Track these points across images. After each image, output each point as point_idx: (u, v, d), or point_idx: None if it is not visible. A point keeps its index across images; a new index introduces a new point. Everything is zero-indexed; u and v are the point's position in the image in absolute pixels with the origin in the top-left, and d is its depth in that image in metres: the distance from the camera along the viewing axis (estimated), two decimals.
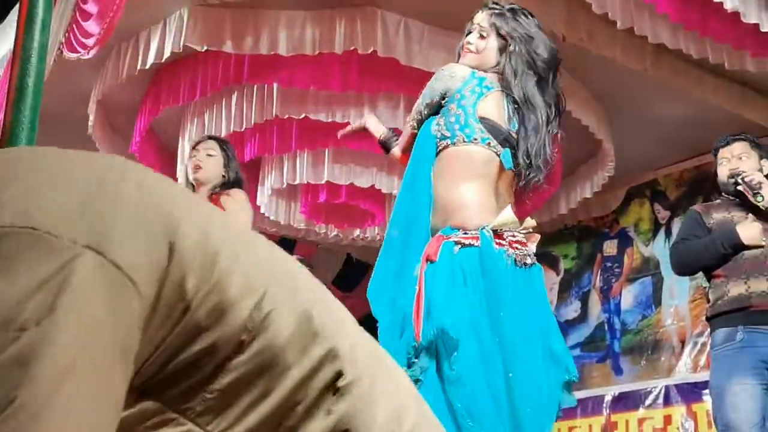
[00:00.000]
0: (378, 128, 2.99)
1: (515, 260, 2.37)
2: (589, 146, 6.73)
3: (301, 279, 0.85)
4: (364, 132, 3.04)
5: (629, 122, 6.71)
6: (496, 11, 2.64)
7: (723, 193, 3.73)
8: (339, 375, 0.76)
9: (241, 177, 3.96)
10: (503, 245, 2.35)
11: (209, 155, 3.93)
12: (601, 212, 8.06)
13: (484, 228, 2.34)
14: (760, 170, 3.66)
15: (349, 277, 9.48)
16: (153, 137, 6.76)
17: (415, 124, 2.59)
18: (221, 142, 4.07)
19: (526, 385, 2.20)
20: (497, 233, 2.36)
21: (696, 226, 3.65)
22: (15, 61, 1.78)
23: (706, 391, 6.58)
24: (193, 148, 4.11)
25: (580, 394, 7.51)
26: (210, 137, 4.22)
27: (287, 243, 9.04)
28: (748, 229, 3.41)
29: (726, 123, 6.60)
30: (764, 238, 3.38)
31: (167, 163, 6.82)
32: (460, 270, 2.29)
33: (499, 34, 2.61)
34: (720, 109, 6.20)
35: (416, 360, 2.22)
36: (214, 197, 3.75)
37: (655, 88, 6.13)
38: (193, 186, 3.93)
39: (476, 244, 2.32)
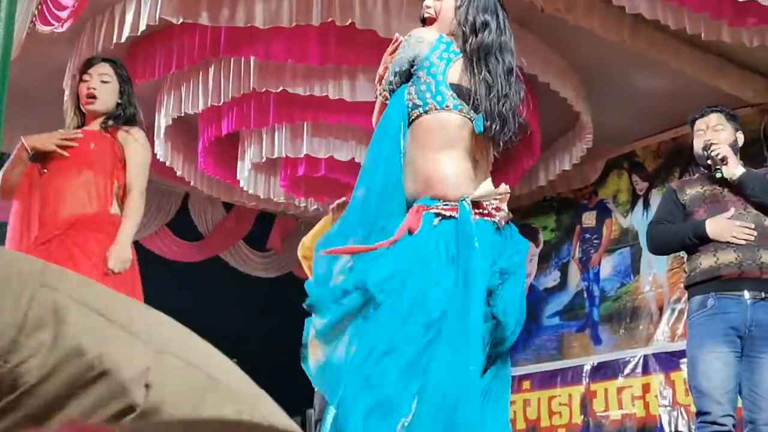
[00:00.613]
0: None
1: (495, 225, 2.39)
2: (568, 118, 6.74)
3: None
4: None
5: (607, 94, 6.72)
6: None
7: (699, 164, 3.76)
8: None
9: (136, 106, 3.55)
10: (482, 215, 2.36)
11: (104, 81, 3.48)
12: (579, 184, 8.10)
13: (464, 199, 2.35)
14: (735, 141, 3.70)
15: None
16: None
17: (388, 95, 2.56)
18: (116, 66, 3.58)
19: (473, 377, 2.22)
20: (476, 203, 2.37)
21: (670, 203, 3.72)
22: None
23: (683, 360, 6.67)
24: (83, 72, 3.58)
25: (560, 364, 7.60)
26: (104, 59, 3.65)
27: (267, 217, 9.03)
28: (716, 224, 3.45)
29: (703, 95, 6.62)
30: (733, 234, 3.41)
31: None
32: (443, 243, 2.32)
33: None
34: (697, 81, 6.22)
35: (343, 299, 2.26)
36: (111, 131, 3.42)
37: (633, 60, 6.14)
38: (83, 117, 3.55)
39: (454, 216, 2.34)
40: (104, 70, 3.52)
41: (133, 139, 3.41)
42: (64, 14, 4.93)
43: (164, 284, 8.32)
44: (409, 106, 2.47)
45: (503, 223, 2.42)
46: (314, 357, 2.27)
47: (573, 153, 7.06)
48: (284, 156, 6.64)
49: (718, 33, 5.41)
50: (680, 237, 3.56)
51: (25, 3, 4.81)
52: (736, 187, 3.53)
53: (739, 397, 3.38)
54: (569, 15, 5.38)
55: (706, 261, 3.48)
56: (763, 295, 3.39)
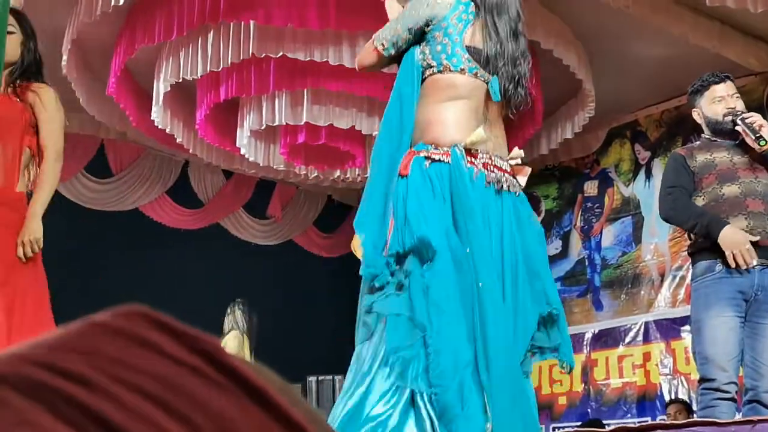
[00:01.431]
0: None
1: (488, 181, 2.35)
2: (570, 86, 6.70)
3: None
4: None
5: (610, 62, 6.67)
6: None
7: (712, 132, 3.69)
8: None
9: (40, 59, 3.27)
10: (474, 164, 2.33)
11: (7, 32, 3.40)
12: (581, 153, 8.07)
13: (456, 145, 2.32)
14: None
15: (330, 218, 9.49)
16: (129, 78, 6.66)
17: (393, 51, 2.46)
18: (20, 16, 3.30)
19: (493, 299, 2.20)
20: (469, 152, 2.34)
21: (681, 171, 3.63)
22: None
23: (685, 327, 6.69)
24: None
25: None
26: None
27: (267, 185, 9.01)
28: (732, 236, 3.39)
29: (706, 63, 6.55)
30: (735, 252, 3.37)
31: (144, 105, 6.74)
32: (430, 183, 2.28)
33: None
34: (700, 48, 6.16)
35: (398, 267, 2.23)
36: (19, 90, 3.13)
37: (636, 27, 6.08)
38: None
39: (446, 160, 2.31)
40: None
41: (44, 100, 3.13)
42: None
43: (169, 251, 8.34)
44: (423, 65, 2.43)
45: (505, 186, 2.38)
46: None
47: (575, 121, 7.02)
48: (284, 123, 6.60)
49: None
50: (693, 221, 3.49)
51: None
52: (765, 156, 3.48)
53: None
54: None
55: None
56: None
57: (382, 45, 2.44)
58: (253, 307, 7.21)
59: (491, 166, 2.36)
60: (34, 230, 2.95)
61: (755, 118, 3.49)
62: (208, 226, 8.79)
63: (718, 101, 3.65)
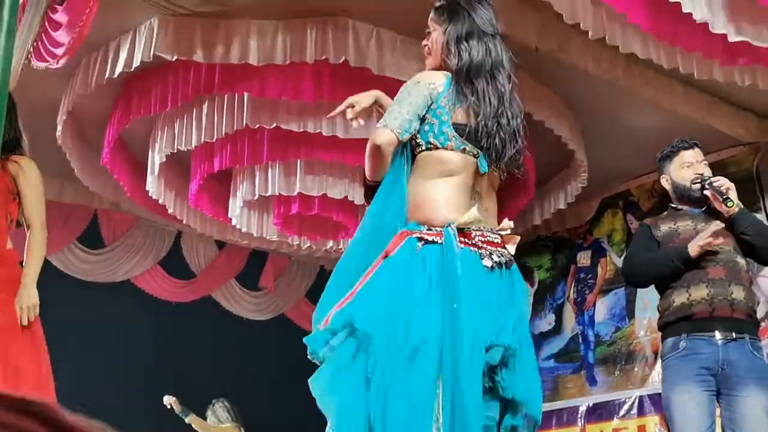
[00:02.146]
0: (386, 99, 2.65)
1: (484, 262, 2.31)
2: (562, 156, 6.75)
3: None
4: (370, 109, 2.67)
5: (602, 133, 6.74)
6: (436, 5, 2.62)
7: (679, 198, 3.71)
8: None
9: (20, 132, 3.35)
10: (468, 244, 2.30)
11: None
12: (574, 223, 8.08)
13: (449, 225, 2.29)
14: None
15: (322, 290, 9.41)
16: (123, 148, 6.69)
17: (406, 137, 2.36)
18: None
19: (468, 393, 2.13)
20: (463, 231, 2.31)
21: (646, 238, 3.67)
22: None
23: None
24: None
25: (554, 405, 7.52)
26: None
27: (260, 256, 8.98)
28: (696, 240, 3.43)
29: (696, 134, 6.58)
30: (704, 237, 3.40)
31: (138, 175, 6.75)
32: (422, 265, 2.24)
33: (437, 23, 2.58)
34: (690, 119, 6.24)
35: (334, 343, 2.18)
36: (1, 162, 3.19)
37: (627, 99, 6.16)
38: None
39: (439, 241, 2.27)
40: None
41: (26, 171, 3.22)
42: (59, 51, 4.93)
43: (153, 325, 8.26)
44: (412, 144, 2.42)
45: (501, 260, 2.36)
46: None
47: (568, 191, 7.05)
48: (277, 194, 6.61)
49: (710, 72, 5.43)
50: (664, 262, 3.50)
51: (22, 38, 4.81)
52: (730, 221, 3.51)
53: None
54: (563, 54, 5.41)
55: (678, 298, 3.45)
56: (734, 335, 3.35)
57: (399, 131, 2.33)
58: (249, 383, 7.14)
59: (484, 244, 2.34)
60: (31, 296, 3.03)
61: (723, 181, 3.53)
62: (200, 299, 8.73)
63: (687, 167, 3.68)
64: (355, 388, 2.12)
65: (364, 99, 2.63)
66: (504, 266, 2.36)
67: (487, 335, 2.23)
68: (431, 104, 2.41)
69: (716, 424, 3.36)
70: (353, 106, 2.60)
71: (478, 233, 2.33)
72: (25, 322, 2.98)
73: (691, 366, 3.35)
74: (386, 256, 2.28)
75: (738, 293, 3.39)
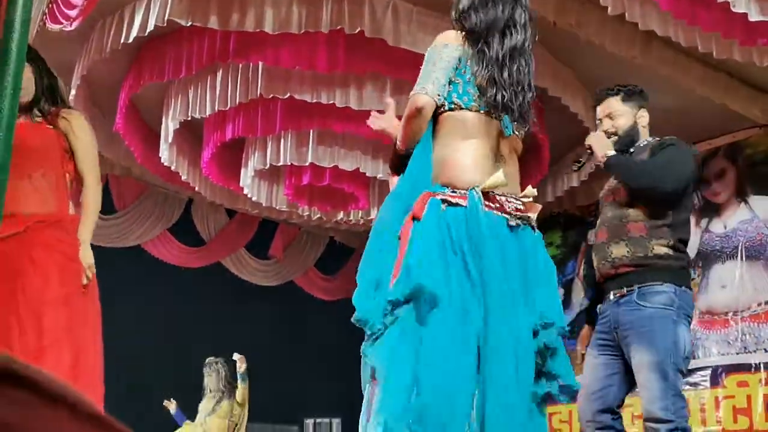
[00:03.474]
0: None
1: (507, 223, 2.31)
2: (577, 133, 6.69)
3: None
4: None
5: None
6: None
7: None
8: None
9: (54, 83, 3.22)
10: (492, 208, 2.30)
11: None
12: (586, 201, 8.04)
13: (474, 188, 2.29)
14: (634, 124, 3.67)
15: (331, 260, 9.45)
16: (136, 115, 6.69)
17: (440, 99, 2.37)
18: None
19: (501, 353, 2.14)
20: (487, 195, 2.31)
21: None
22: None
23: (685, 379, 6.63)
24: None
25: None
26: None
27: (270, 225, 9.00)
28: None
29: (712, 114, 6.60)
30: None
31: (150, 142, 6.76)
32: (446, 229, 2.23)
33: None
34: (706, 99, 6.19)
35: (393, 315, 2.16)
36: (50, 117, 3.11)
37: (643, 77, 6.08)
38: None
39: (463, 204, 2.27)
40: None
41: (76, 126, 3.14)
42: (73, 13, 4.92)
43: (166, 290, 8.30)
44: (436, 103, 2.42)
45: (522, 221, 2.36)
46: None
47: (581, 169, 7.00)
48: (289, 164, 6.60)
49: (729, 52, 5.37)
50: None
51: (36, 1, 4.79)
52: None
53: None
54: (581, 30, 5.36)
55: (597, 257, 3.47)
56: (624, 290, 3.28)
57: (438, 96, 2.34)
58: (252, 349, 7.16)
59: (508, 208, 2.34)
60: (88, 257, 3.04)
61: (587, 140, 3.53)
62: (209, 265, 8.76)
63: (598, 124, 3.64)
64: (413, 351, 2.12)
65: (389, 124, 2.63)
66: (529, 225, 2.37)
67: (528, 306, 2.25)
68: (458, 65, 2.41)
69: (616, 388, 3.31)
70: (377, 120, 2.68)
71: (502, 198, 2.33)
72: (85, 281, 2.99)
73: (597, 329, 3.42)
74: (414, 219, 2.27)
75: (618, 250, 3.31)
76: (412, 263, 2.18)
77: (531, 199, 2.43)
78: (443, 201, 2.27)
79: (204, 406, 7.12)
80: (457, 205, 2.26)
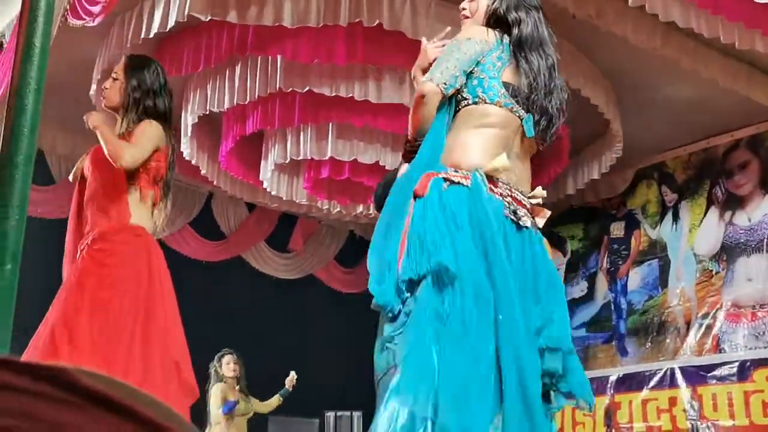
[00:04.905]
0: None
1: (508, 213, 2.29)
2: (598, 126, 6.66)
3: None
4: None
5: (638, 103, 6.64)
6: None
7: None
8: None
9: (142, 98, 3.26)
10: (494, 192, 2.28)
11: (114, 78, 3.35)
12: (608, 194, 8.01)
13: (477, 170, 2.27)
14: None
15: (351, 254, 9.45)
16: None
17: (451, 91, 2.34)
18: (128, 59, 3.41)
19: (512, 332, 2.11)
20: (491, 180, 2.29)
21: None
22: (23, 21, 1.76)
23: (712, 373, 6.59)
24: None
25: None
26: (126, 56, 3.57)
27: (289, 218, 9.01)
28: None
29: (734, 105, 6.53)
30: None
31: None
32: (448, 206, 2.21)
33: None
34: (728, 90, 6.12)
35: (410, 295, 2.15)
36: (128, 132, 3.20)
37: (665, 68, 6.05)
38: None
39: (465, 183, 2.25)
40: (117, 68, 3.42)
41: (136, 131, 3.17)
42: (96, 9, 4.93)
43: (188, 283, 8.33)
44: (457, 98, 2.39)
45: (527, 223, 2.33)
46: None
47: (602, 162, 6.98)
48: (308, 157, 6.61)
49: (752, 42, 5.31)
50: None
51: None
52: None
53: None
54: (600, 21, 5.32)
55: None
56: None
57: (444, 85, 2.32)
58: (272, 342, 7.17)
59: (510, 198, 2.32)
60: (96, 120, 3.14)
61: None
62: (230, 259, 8.79)
63: None
64: (434, 333, 2.09)
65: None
66: (527, 227, 2.34)
67: (530, 314, 2.21)
68: (481, 59, 2.39)
69: None
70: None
71: (506, 187, 2.31)
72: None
73: None
74: (416, 197, 2.26)
75: None
76: (427, 240, 2.16)
77: (540, 201, 2.42)
78: (445, 179, 2.26)
79: (243, 407, 7.08)
80: (459, 183, 2.25)
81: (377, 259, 2.25)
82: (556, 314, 2.27)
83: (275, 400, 7.13)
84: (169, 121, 3.35)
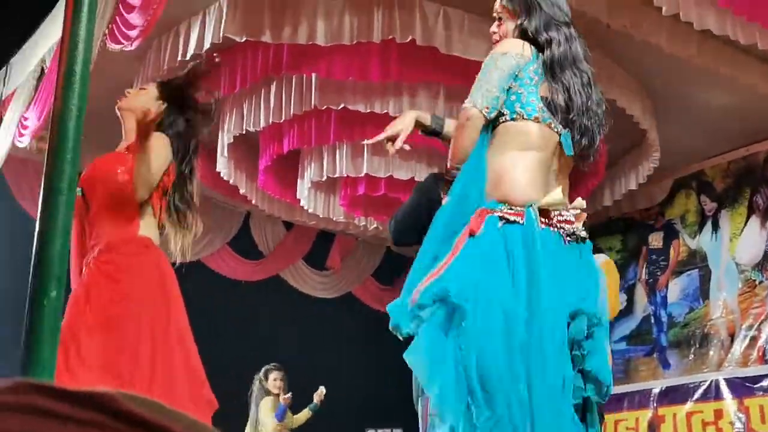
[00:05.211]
0: (424, 117, 2.75)
1: (562, 238, 2.31)
2: (634, 136, 6.61)
3: None
4: (415, 131, 2.70)
5: (674, 111, 6.57)
6: None
7: None
8: None
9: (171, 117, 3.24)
10: (548, 224, 2.29)
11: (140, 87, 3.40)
12: (646, 204, 7.93)
13: (531, 206, 2.27)
14: None
15: (388, 270, 9.44)
16: None
17: (493, 114, 2.35)
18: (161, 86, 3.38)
19: (549, 370, 2.13)
20: (543, 212, 2.29)
21: None
22: (63, 48, 1.79)
23: (759, 385, 6.47)
24: None
25: (626, 388, 7.41)
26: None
27: (327, 236, 9.04)
28: None
29: None
30: None
31: (208, 157, 6.84)
32: (503, 245, 2.23)
33: (511, 14, 2.55)
34: (767, 98, 6.05)
35: (418, 317, 2.20)
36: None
37: (701, 76, 5.99)
38: None
39: (520, 221, 2.26)
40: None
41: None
42: (133, 33, 5.01)
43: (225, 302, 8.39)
44: (495, 114, 2.39)
45: (579, 234, 2.34)
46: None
47: (639, 172, 6.92)
48: (344, 175, 6.63)
49: None
50: None
51: (96, 22, 4.90)
52: None
53: None
54: (635, 31, 5.28)
55: None
56: None
57: (487, 109, 2.33)
58: (312, 360, 7.18)
59: (562, 222, 2.32)
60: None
61: None
62: (268, 278, 8.83)
63: None
64: (451, 361, 2.12)
65: (404, 126, 2.67)
66: (580, 240, 2.36)
67: (572, 303, 2.23)
68: (519, 73, 2.39)
69: None
70: (395, 138, 2.65)
71: (556, 213, 2.31)
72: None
73: None
74: (471, 235, 2.27)
75: None
76: (447, 272, 2.20)
77: (579, 212, 2.41)
78: (500, 218, 2.27)
79: (288, 420, 7.09)
80: (514, 222, 2.26)
81: (408, 283, 2.31)
82: (593, 292, 2.30)
83: (304, 415, 7.13)
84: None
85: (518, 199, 2.29)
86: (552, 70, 2.42)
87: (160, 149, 3.09)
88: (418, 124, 2.69)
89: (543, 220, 2.28)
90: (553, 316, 2.19)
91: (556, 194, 2.30)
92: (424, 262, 2.32)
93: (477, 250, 2.23)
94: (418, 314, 2.19)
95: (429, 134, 2.71)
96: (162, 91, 3.30)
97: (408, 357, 2.20)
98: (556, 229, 2.30)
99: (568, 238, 2.33)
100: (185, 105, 3.33)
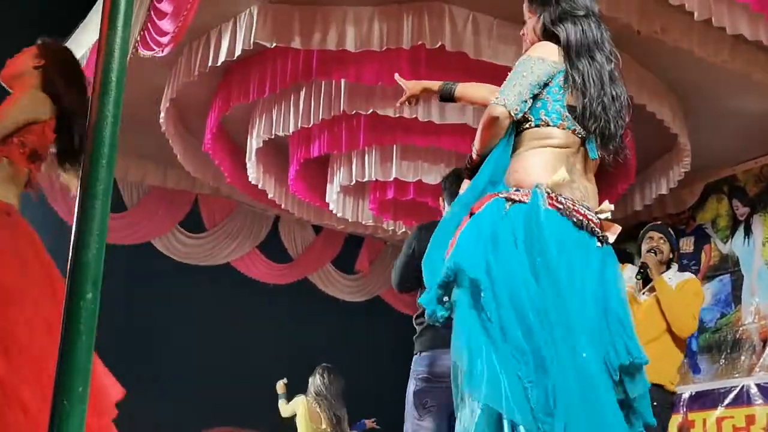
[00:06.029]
0: (432, 84, 2.80)
1: (574, 223, 2.29)
2: (665, 141, 6.56)
3: None
4: (422, 95, 2.83)
5: (706, 116, 6.52)
6: None
7: None
8: None
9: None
10: (555, 207, 2.26)
11: None
12: (676, 209, 7.87)
13: (537, 186, 2.27)
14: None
15: None
16: (223, 135, 6.84)
17: (521, 115, 2.35)
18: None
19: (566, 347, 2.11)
20: (551, 195, 2.27)
21: None
22: (99, 55, 1.82)
23: None
24: None
25: None
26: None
27: (356, 240, 9.07)
28: None
29: None
30: None
31: (238, 161, 6.90)
32: (509, 225, 2.24)
33: (532, 12, 2.56)
34: None
35: (447, 299, 2.22)
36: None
37: (733, 81, 5.94)
38: None
39: (525, 200, 2.26)
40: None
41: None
42: (164, 39, 5.08)
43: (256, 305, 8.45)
44: (519, 119, 2.38)
45: (595, 231, 2.33)
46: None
47: (670, 176, 6.87)
48: (373, 179, 6.65)
49: None
50: None
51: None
52: None
53: None
54: (666, 36, 5.25)
55: None
56: None
57: (515, 111, 2.34)
58: (340, 365, 7.19)
59: (574, 211, 2.30)
60: None
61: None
62: (297, 282, 8.87)
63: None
64: (482, 339, 2.13)
65: (410, 88, 2.85)
66: (601, 240, 2.34)
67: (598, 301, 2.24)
68: (550, 81, 2.39)
69: None
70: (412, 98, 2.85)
71: (568, 201, 2.30)
72: None
73: None
74: (471, 214, 2.31)
75: None
76: (455, 247, 2.24)
77: (608, 215, 2.39)
78: (507, 200, 2.29)
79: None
80: (520, 201, 2.27)
81: (429, 271, 2.32)
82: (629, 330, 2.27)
83: None
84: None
85: (527, 182, 2.30)
86: (569, 56, 2.41)
87: (24, 100, 2.90)
88: (429, 91, 2.79)
89: (551, 202, 2.26)
90: (564, 304, 2.16)
91: (560, 172, 2.29)
92: (435, 250, 2.37)
93: (474, 227, 2.26)
94: (441, 296, 2.23)
95: (442, 99, 2.77)
96: (41, 51, 3.09)
97: (453, 347, 2.20)
98: (565, 215, 2.28)
99: (583, 227, 2.31)
100: (68, 71, 3.09)
